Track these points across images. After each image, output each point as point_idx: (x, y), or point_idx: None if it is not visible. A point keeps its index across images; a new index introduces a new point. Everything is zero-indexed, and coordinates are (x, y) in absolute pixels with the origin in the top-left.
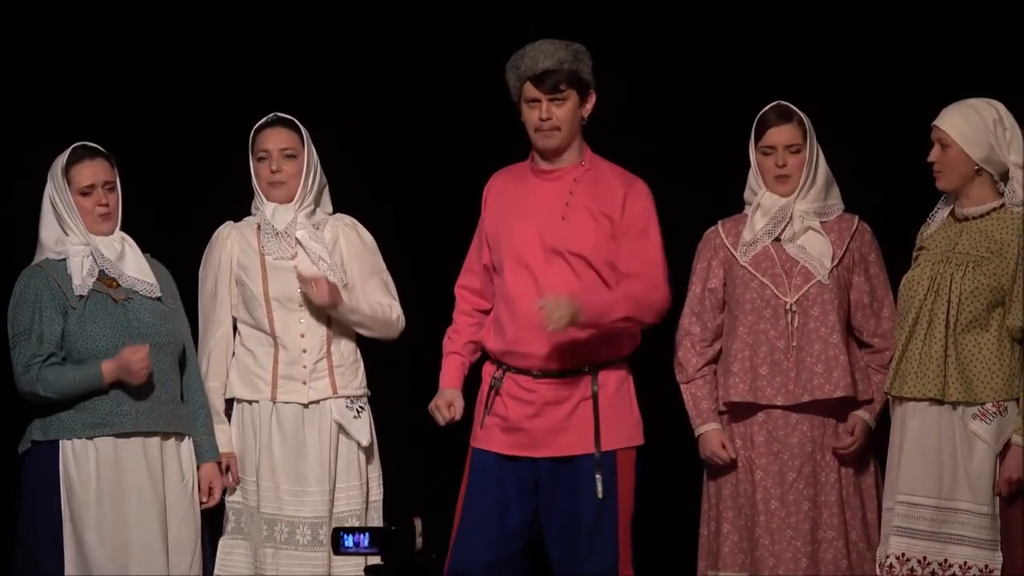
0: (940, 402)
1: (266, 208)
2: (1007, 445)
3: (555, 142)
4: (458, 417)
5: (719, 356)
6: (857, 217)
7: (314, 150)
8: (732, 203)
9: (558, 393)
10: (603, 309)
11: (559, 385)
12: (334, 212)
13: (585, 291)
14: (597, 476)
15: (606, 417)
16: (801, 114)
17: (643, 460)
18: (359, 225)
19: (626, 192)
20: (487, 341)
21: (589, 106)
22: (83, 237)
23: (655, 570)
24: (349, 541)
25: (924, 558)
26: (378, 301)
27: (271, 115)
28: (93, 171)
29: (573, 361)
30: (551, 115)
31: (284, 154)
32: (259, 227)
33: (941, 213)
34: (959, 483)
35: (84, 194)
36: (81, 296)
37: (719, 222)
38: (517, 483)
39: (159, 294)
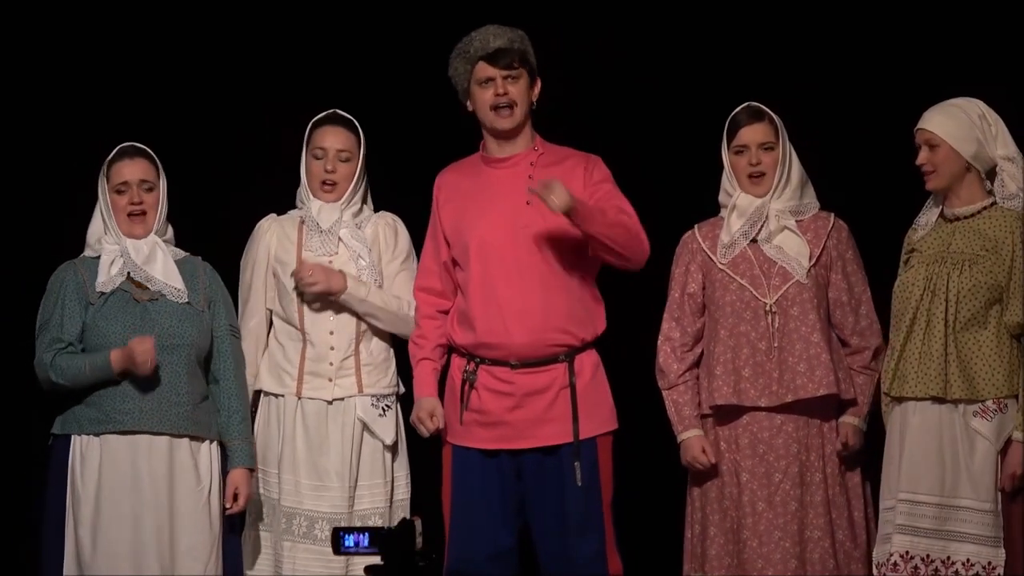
0: (941, 400)
1: (312, 204)
2: (1008, 441)
3: (512, 121)
4: (441, 426)
5: (700, 360)
6: (833, 215)
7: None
8: (708, 207)
9: (537, 383)
10: (595, 208)
11: (537, 375)
12: (377, 210)
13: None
14: (576, 464)
15: (584, 405)
16: (772, 113)
17: (625, 445)
18: (400, 224)
19: (584, 169)
20: (455, 336)
21: (537, 90)
22: (114, 236)
23: (642, 570)
24: (349, 541)
25: (927, 556)
26: (396, 295)
27: (331, 111)
28: (131, 170)
29: (549, 349)
30: (507, 91)
31: (341, 156)
32: (301, 222)
33: (928, 216)
34: (961, 480)
35: (119, 192)
36: (102, 293)
37: (695, 226)
38: (501, 475)
39: (187, 299)
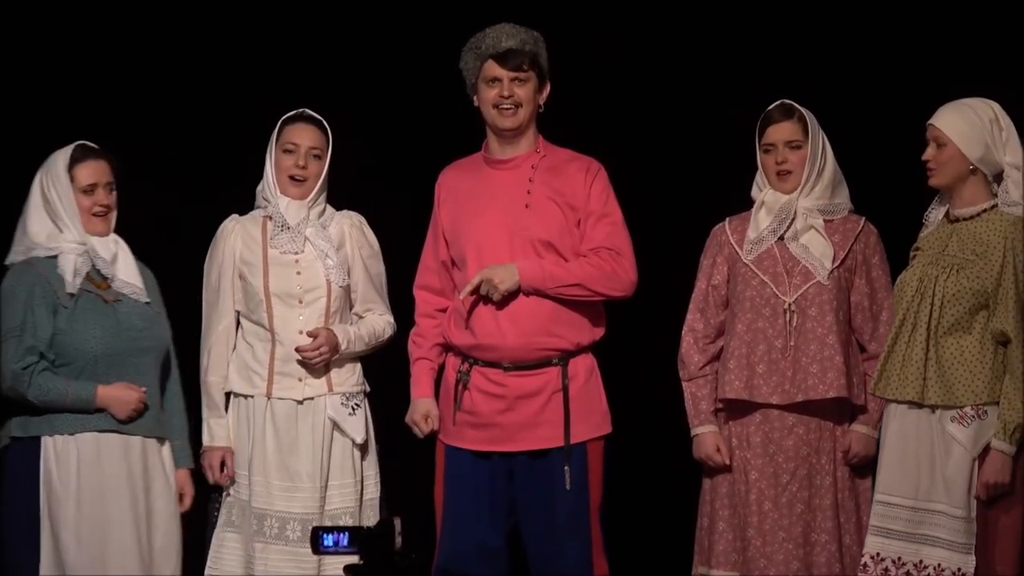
0: (920, 405)
1: (280, 201)
2: (986, 448)
3: (514, 121)
4: (436, 428)
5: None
6: (864, 218)
7: None
8: (742, 201)
9: (529, 386)
10: (548, 273)
11: (530, 378)
12: (340, 208)
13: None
14: (566, 468)
15: (576, 409)
16: (803, 111)
17: (615, 449)
18: (365, 224)
19: (585, 177)
20: (452, 336)
21: (545, 94)
22: (79, 236)
23: (643, 563)
24: (329, 540)
25: (899, 559)
26: (367, 308)
27: (301, 110)
28: (96, 171)
29: (543, 353)
30: (512, 93)
31: (312, 153)
32: (266, 220)
33: (936, 213)
34: (936, 485)
35: (86, 193)
36: (72, 295)
37: (727, 219)
38: (492, 477)
39: (147, 299)
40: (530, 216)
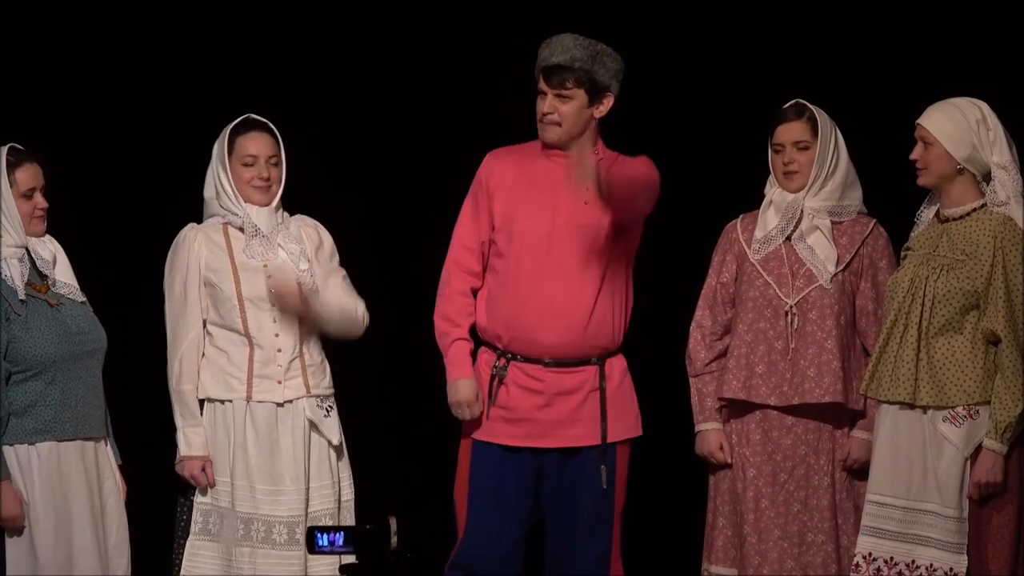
0: (911, 405)
1: (249, 210)
2: (978, 448)
3: (553, 136)
4: (481, 409)
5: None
6: (874, 221)
7: None
8: (759, 198)
9: (568, 383)
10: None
11: (569, 375)
12: (294, 213)
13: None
14: (602, 467)
15: (612, 409)
16: (815, 111)
17: (640, 451)
18: (320, 226)
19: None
20: (490, 327)
21: (603, 108)
22: (20, 240)
23: (653, 563)
24: (324, 540)
25: (891, 558)
26: (342, 300)
27: (248, 117)
28: (34, 174)
29: (583, 350)
30: (553, 110)
31: (271, 161)
32: (226, 226)
33: (927, 213)
34: (927, 485)
35: (26, 197)
36: (22, 301)
37: (740, 216)
38: (520, 472)
39: (83, 298)
40: (590, 212)
